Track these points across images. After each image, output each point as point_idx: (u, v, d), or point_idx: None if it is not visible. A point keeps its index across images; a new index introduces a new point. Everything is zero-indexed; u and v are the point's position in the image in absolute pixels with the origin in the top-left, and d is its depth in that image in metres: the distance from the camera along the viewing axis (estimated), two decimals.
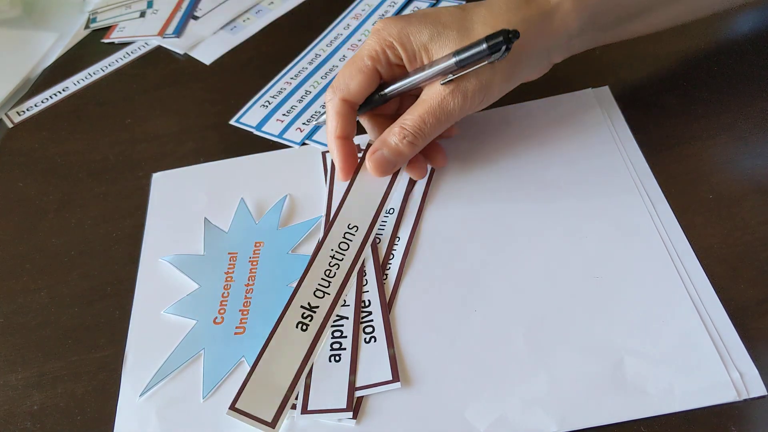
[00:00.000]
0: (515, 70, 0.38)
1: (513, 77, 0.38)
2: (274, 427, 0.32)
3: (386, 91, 0.39)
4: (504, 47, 0.35)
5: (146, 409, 0.34)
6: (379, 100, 0.40)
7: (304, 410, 0.33)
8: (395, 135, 0.38)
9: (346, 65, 0.39)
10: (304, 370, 0.34)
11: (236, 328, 0.37)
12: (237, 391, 0.33)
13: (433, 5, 0.57)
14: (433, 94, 0.37)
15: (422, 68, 0.38)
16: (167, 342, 0.37)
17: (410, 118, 0.38)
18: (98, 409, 0.35)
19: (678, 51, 0.47)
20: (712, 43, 0.47)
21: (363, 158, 0.42)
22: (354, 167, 0.41)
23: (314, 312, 0.36)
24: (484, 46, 0.35)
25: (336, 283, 0.37)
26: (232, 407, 0.33)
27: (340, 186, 0.43)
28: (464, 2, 0.57)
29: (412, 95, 0.40)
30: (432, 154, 0.42)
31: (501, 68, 0.37)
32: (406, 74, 0.39)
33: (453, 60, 0.36)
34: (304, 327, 0.36)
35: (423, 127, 0.38)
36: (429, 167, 0.43)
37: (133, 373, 0.36)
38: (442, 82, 0.37)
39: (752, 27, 0.48)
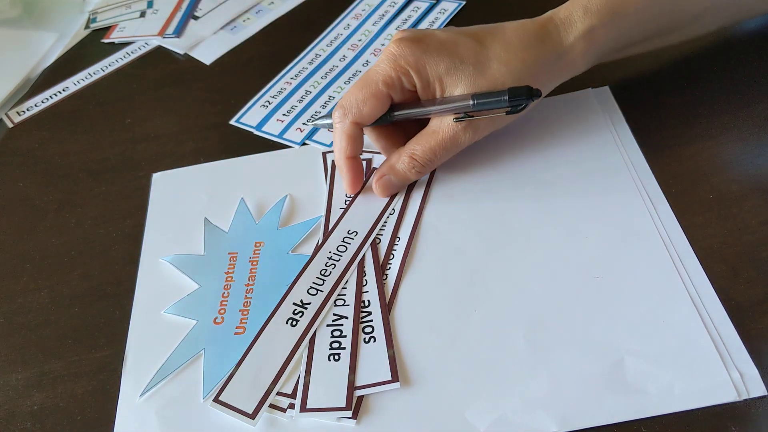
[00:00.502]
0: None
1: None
2: (253, 419, 0.33)
3: (396, 115, 0.40)
4: (524, 105, 0.37)
5: (146, 409, 0.34)
6: (386, 120, 0.40)
7: (303, 409, 0.33)
8: (404, 163, 0.40)
9: (358, 86, 0.39)
10: (288, 364, 0.34)
11: (236, 328, 0.37)
12: (223, 384, 0.34)
13: (433, 6, 0.57)
14: (445, 128, 0.38)
15: (435, 100, 0.38)
16: (167, 342, 0.37)
17: (420, 148, 0.39)
18: (98, 409, 0.35)
19: (678, 51, 0.47)
20: (712, 43, 0.47)
21: (368, 175, 0.43)
22: (361, 183, 0.42)
23: (305, 308, 0.36)
24: (506, 98, 0.36)
25: (330, 281, 0.38)
26: (216, 399, 0.33)
27: (340, 186, 0.43)
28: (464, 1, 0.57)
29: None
30: None
31: None
32: (416, 100, 0.39)
33: (470, 102, 0.37)
34: (294, 323, 0.36)
35: (433, 158, 0.39)
36: None
37: (133, 373, 0.36)
38: (455, 119, 0.38)
39: (753, 27, 0.48)
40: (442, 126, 0.38)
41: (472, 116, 0.38)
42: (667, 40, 0.43)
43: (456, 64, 0.37)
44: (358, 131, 0.39)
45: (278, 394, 0.34)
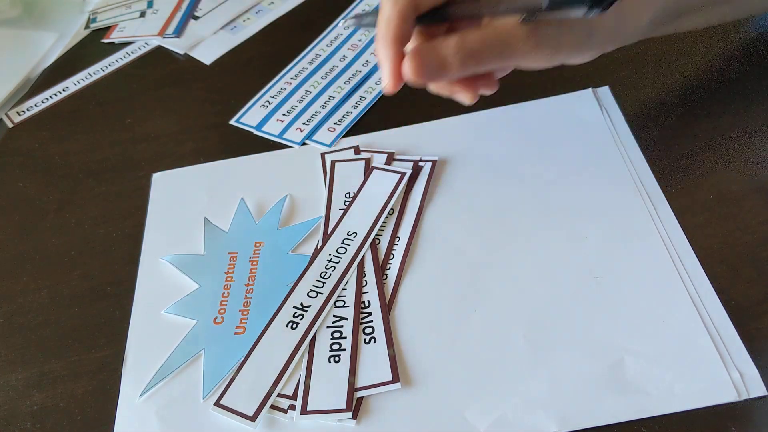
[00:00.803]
0: (601, 38, 0.34)
1: (590, 43, 0.34)
2: (254, 421, 0.33)
3: (456, 10, 0.34)
4: (610, 4, 0.30)
5: (146, 409, 0.34)
6: (441, 17, 0.34)
7: (304, 411, 0.33)
8: (450, 47, 0.33)
9: None
10: (288, 367, 0.34)
11: (236, 328, 0.37)
12: (224, 388, 0.34)
13: None
14: (507, 27, 0.33)
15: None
16: (167, 342, 0.37)
17: (473, 38, 0.33)
18: (98, 409, 0.35)
19: (678, 51, 0.47)
20: (713, 43, 0.47)
21: (367, 176, 0.43)
22: (401, 81, 0.34)
23: (305, 311, 0.36)
24: (587, 1, 0.30)
25: (330, 283, 0.38)
26: (217, 403, 0.34)
27: (339, 187, 0.43)
28: None
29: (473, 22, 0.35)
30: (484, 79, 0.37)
31: (586, 28, 0.33)
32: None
33: (542, 1, 0.31)
34: (294, 326, 0.36)
35: (482, 51, 0.33)
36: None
37: (133, 373, 0.36)
38: (521, 20, 0.32)
39: (753, 27, 0.48)
40: (504, 23, 0.33)
41: (540, 20, 0.32)
42: (716, 14, 0.39)
43: None
44: (411, 13, 0.33)
45: (279, 395, 0.34)
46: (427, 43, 0.34)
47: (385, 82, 0.34)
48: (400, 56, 0.34)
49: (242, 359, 0.35)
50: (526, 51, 0.33)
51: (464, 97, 0.37)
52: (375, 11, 0.35)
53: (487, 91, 0.37)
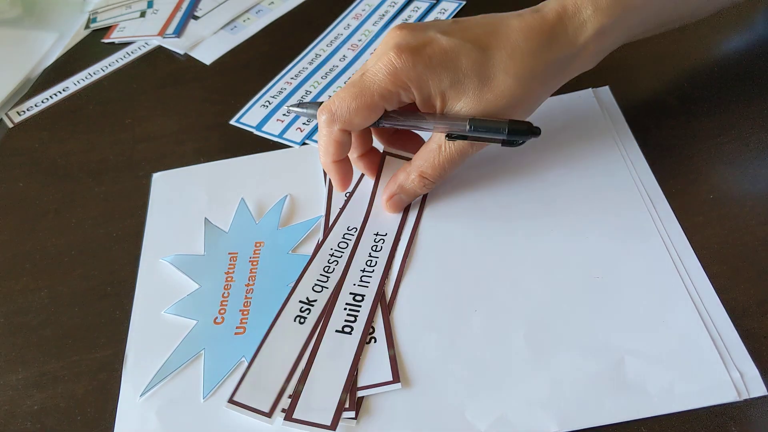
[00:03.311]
0: (529, 113, 0.38)
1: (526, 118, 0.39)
2: (270, 416, 0.33)
3: (385, 122, 0.37)
4: (521, 142, 0.36)
5: (146, 409, 0.34)
6: (373, 125, 0.38)
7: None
8: (414, 183, 0.39)
9: (351, 94, 0.36)
10: (300, 361, 0.34)
11: (236, 328, 0.37)
12: (236, 384, 0.34)
13: (433, 5, 0.57)
14: (451, 143, 0.37)
15: (433, 115, 0.37)
16: (167, 342, 0.37)
17: (429, 166, 0.38)
18: (98, 409, 0.35)
19: (678, 51, 0.47)
20: (712, 43, 0.47)
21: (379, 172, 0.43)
22: (350, 181, 0.40)
23: (312, 305, 0.37)
24: (505, 131, 0.36)
25: (334, 277, 0.38)
26: (230, 400, 0.33)
27: None
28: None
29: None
30: (411, 144, 0.42)
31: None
32: (412, 111, 0.37)
33: (467, 126, 0.35)
34: (302, 320, 0.36)
35: (443, 173, 0.39)
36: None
37: (133, 373, 0.36)
38: (448, 138, 0.37)
39: (752, 26, 0.48)
40: (446, 141, 0.37)
41: (467, 138, 0.36)
42: (670, 28, 0.41)
43: (459, 77, 0.35)
44: (346, 138, 0.37)
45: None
46: (394, 182, 0.40)
47: (336, 188, 0.41)
48: (342, 169, 0.40)
49: (252, 356, 0.35)
50: (476, 150, 0.38)
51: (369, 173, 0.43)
52: (316, 104, 0.38)
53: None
